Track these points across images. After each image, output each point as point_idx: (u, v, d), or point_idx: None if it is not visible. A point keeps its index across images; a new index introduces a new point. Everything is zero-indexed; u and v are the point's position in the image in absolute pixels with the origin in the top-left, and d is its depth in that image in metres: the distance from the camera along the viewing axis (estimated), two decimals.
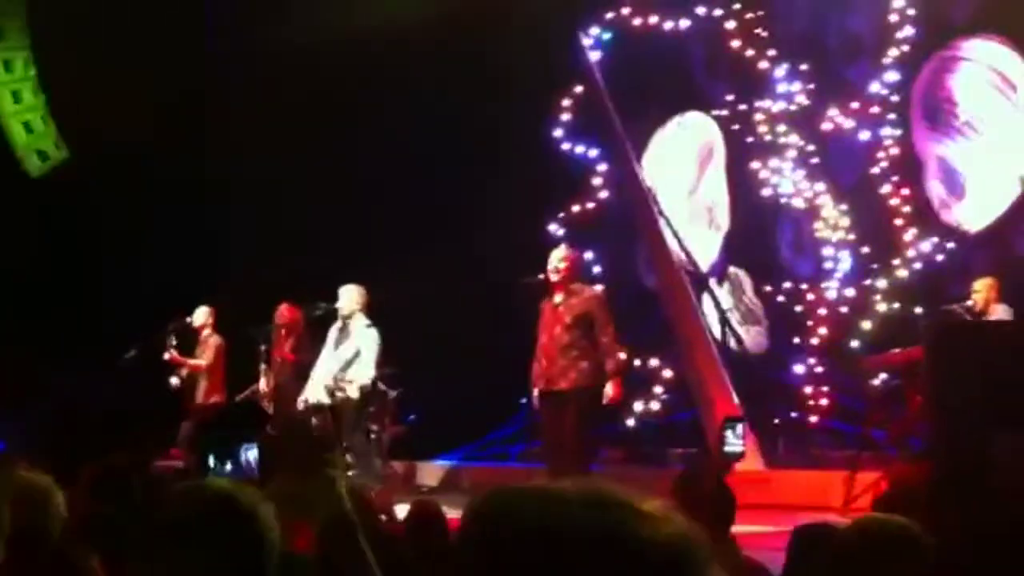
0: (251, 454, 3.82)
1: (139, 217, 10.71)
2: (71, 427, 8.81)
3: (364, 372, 8.48)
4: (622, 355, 7.72)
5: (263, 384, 9.38)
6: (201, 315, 9.67)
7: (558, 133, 11.04)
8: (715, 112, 10.79)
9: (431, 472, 10.03)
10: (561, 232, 10.78)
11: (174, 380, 9.61)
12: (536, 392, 7.52)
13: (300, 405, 8.63)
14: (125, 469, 5.03)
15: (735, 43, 10.62)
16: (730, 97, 10.75)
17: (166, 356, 9.50)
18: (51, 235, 10.74)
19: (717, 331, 9.58)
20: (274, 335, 9.30)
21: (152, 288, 10.24)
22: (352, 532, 2.29)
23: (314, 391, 8.56)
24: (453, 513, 8.00)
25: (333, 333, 8.68)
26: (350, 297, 8.60)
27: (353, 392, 8.45)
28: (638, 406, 10.08)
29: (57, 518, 2.96)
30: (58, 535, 2.93)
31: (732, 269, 10.46)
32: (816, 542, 3.13)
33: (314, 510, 2.45)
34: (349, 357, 8.51)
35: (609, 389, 7.28)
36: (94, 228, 10.77)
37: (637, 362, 10.08)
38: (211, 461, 4.14)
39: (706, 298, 10.00)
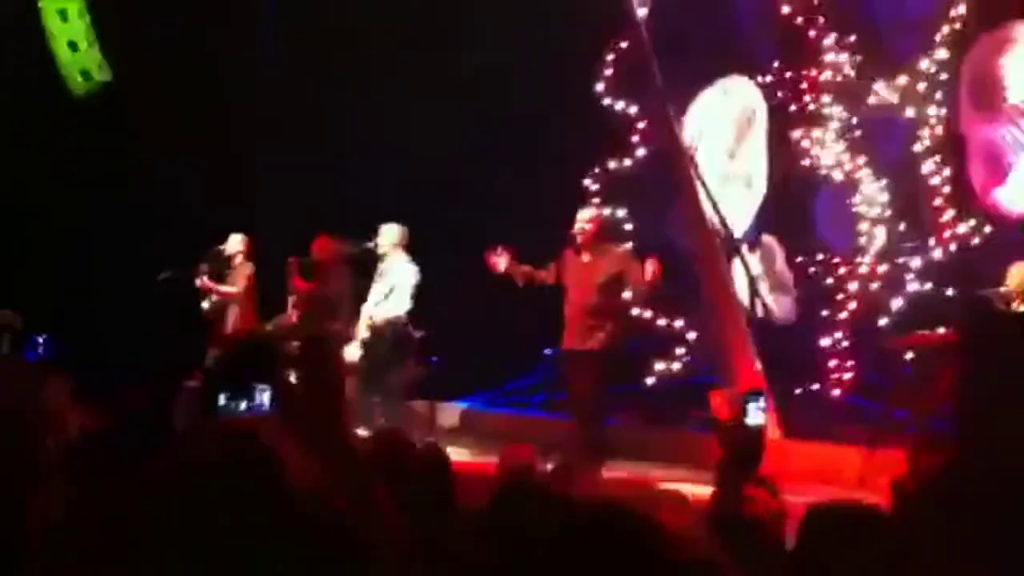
0: (265, 395, 3.85)
1: (179, 143, 10.75)
2: (105, 346, 8.93)
3: (396, 306, 8.57)
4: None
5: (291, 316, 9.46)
6: (234, 243, 9.74)
7: (599, 87, 10.98)
8: (760, 78, 10.71)
9: (451, 414, 10.16)
10: (595, 187, 10.78)
11: (204, 305, 9.70)
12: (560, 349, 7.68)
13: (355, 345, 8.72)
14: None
15: (785, 8, 10.51)
16: (776, 63, 10.66)
17: (197, 282, 9.58)
18: (92, 155, 10.81)
19: (746, 298, 9.59)
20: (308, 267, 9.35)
21: (189, 215, 10.33)
22: (360, 466, 2.28)
23: (360, 328, 8.67)
24: (469, 456, 8.14)
25: (377, 272, 8.77)
26: (390, 235, 8.68)
27: (381, 318, 8.52)
28: (659, 366, 10.14)
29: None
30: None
31: (765, 237, 10.43)
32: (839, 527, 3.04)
33: (327, 446, 2.48)
34: (385, 291, 8.61)
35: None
36: (133, 151, 10.83)
37: (662, 322, 10.12)
38: (222, 399, 4.16)
39: (737, 264, 9.99)
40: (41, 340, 9.15)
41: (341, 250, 9.16)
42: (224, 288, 9.67)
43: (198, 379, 9.10)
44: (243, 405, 5.03)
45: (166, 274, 9.63)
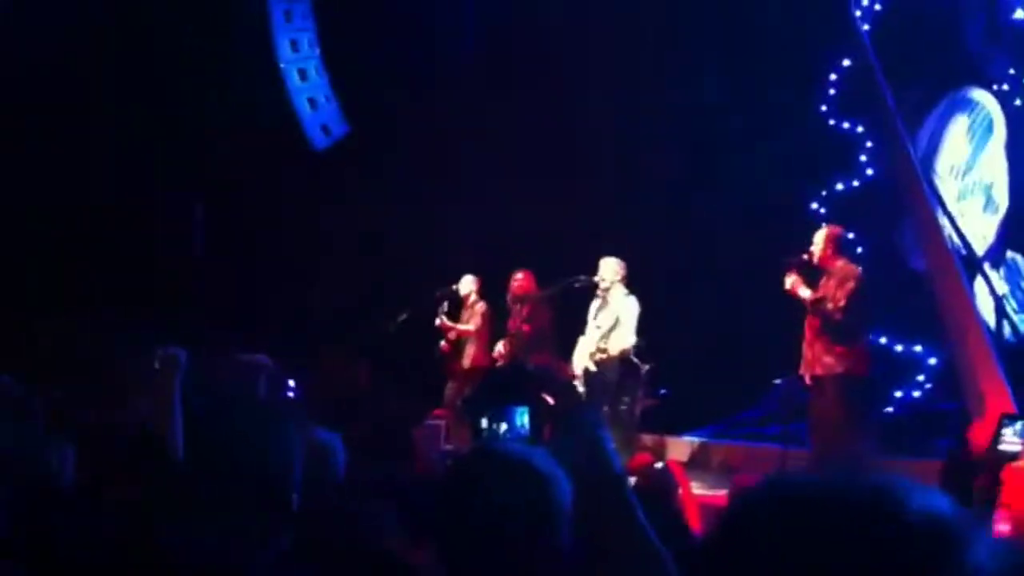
0: (523, 417, 3.98)
1: (417, 191, 11.27)
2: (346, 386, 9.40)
3: (623, 339, 8.67)
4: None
5: (497, 350, 9.74)
6: (467, 283, 10.17)
7: (824, 108, 10.74)
8: (995, 87, 10.19)
9: (681, 447, 10.07)
10: (823, 211, 10.52)
11: (443, 344, 10.16)
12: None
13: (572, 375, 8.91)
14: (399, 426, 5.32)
15: (1019, 12, 9.97)
16: (1012, 71, 10.12)
17: (437, 322, 10.06)
18: (333, 205, 11.43)
19: (991, 319, 9.11)
20: (510, 305, 9.65)
21: (419, 259, 10.80)
22: (621, 490, 2.24)
23: (579, 362, 8.79)
24: (701, 490, 8.06)
25: (594, 306, 8.88)
26: (610, 269, 8.79)
27: (614, 351, 8.63)
28: (899, 393, 9.74)
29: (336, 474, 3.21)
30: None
31: (1010, 253, 9.88)
32: None
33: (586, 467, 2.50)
34: (610, 324, 8.70)
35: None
36: (373, 199, 11.39)
37: (899, 348, 9.73)
38: (484, 423, 4.32)
39: (979, 283, 9.51)
40: (292, 383, 9.74)
41: (538, 284, 9.44)
42: (462, 326, 10.12)
43: (440, 414, 9.55)
44: (503, 428, 5.19)
45: (403, 316, 10.12)
